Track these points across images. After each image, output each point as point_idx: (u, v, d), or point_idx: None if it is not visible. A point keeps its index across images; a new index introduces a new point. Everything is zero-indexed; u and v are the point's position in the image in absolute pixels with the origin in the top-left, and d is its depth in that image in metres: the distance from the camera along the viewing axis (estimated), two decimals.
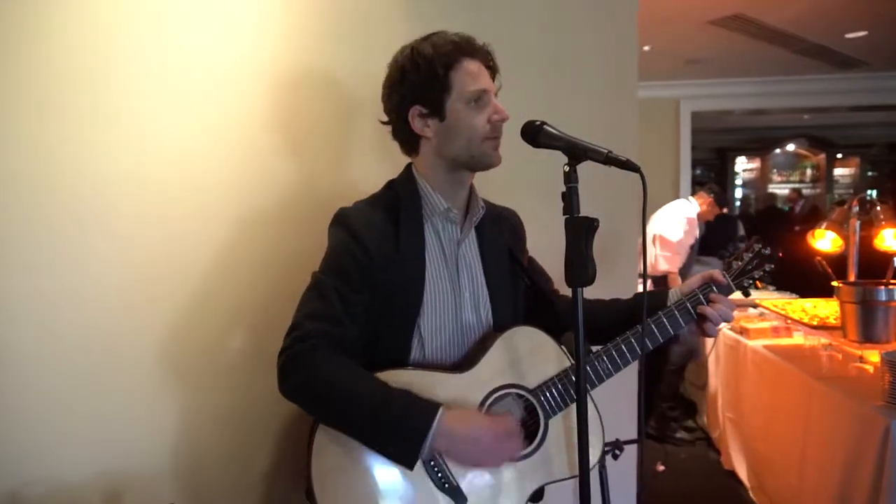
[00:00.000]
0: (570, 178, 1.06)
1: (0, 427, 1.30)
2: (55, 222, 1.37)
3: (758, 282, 1.35)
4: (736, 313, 3.49)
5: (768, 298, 3.65)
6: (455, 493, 1.16)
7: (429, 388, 1.15)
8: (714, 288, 1.33)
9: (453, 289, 1.26)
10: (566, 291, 1.30)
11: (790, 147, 10.29)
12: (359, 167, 1.64)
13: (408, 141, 1.27)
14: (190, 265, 1.49)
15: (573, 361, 1.25)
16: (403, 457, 1.11)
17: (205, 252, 1.50)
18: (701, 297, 1.32)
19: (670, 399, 3.96)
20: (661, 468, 3.44)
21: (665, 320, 1.30)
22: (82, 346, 1.38)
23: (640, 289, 1.37)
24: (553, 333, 1.30)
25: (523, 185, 1.64)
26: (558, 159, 1.08)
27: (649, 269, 3.72)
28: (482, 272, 1.30)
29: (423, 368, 1.21)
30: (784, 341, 2.95)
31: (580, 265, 1.04)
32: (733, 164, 10.57)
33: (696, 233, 4.10)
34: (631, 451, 2.11)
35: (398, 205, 1.24)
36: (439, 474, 1.15)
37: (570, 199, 1.06)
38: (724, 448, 3.38)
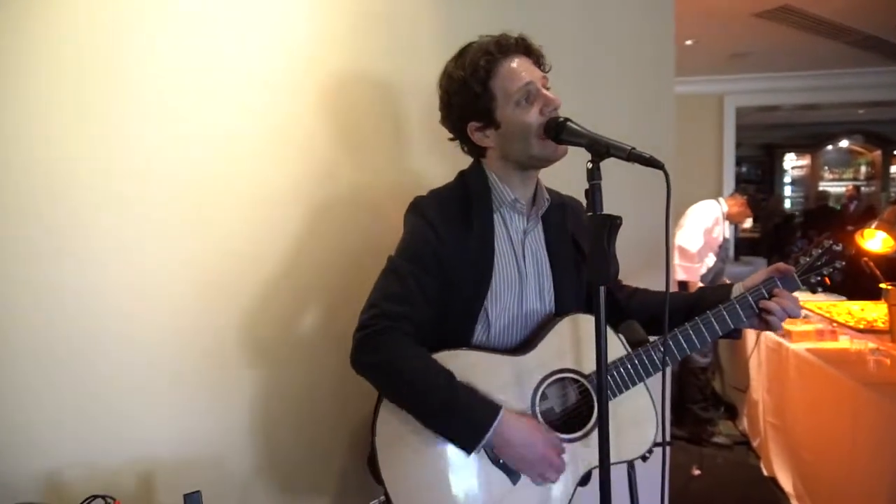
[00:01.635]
0: (594, 174, 1.05)
1: (41, 412, 1.36)
2: (139, 213, 1.45)
3: (826, 278, 1.31)
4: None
5: (813, 300, 3.52)
6: (509, 469, 1.22)
7: (492, 369, 1.23)
8: (778, 282, 1.30)
9: (520, 277, 1.30)
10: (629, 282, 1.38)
11: (843, 143, 9.88)
12: (419, 160, 1.70)
13: (474, 151, 1.34)
14: (259, 255, 1.57)
15: (629, 350, 1.29)
16: (464, 447, 1.18)
17: (275, 241, 1.58)
18: (764, 291, 1.30)
19: (701, 400, 3.87)
20: (697, 472, 3.36)
21: (725, 313, 1.29)
22: (126, 335, 1.45)
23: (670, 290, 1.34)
24: (610, 321, 1.28)
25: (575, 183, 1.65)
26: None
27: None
28: (547, 261, 1.34)
29: (486, 350, 1.27)
30: (829, 345, 2.85)
31: (602, 263, 1.03)
32: (782, 161, 10.22)
33: (725, 233, 4.07)
34: (661, 456, 2.08)
35: (469, 195, 1.29)
36: (494, 450, 1.21)
37: (592, 196, 1.05)
38: (765, 454, 3.28)
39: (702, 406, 3.85)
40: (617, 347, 1.29)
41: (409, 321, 1.21)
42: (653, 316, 1.37)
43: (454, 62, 1.26)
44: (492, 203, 1.29)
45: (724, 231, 4.06)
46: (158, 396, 1.47)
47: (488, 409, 1.17)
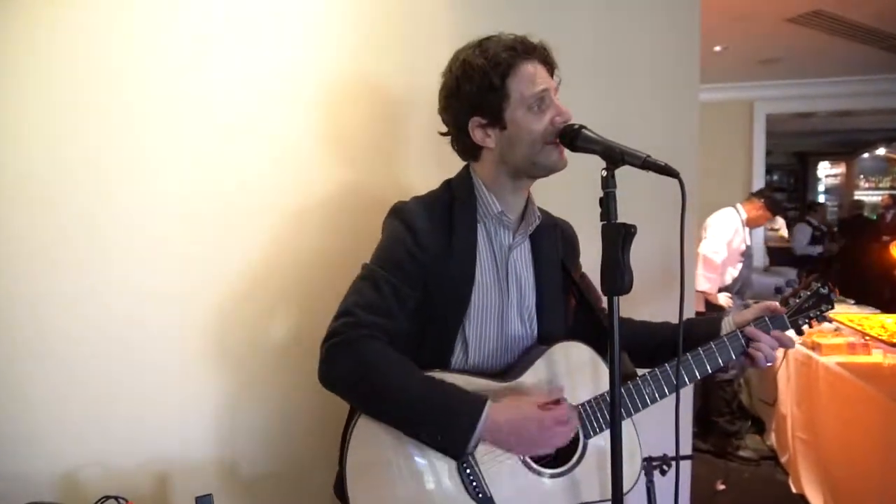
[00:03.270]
0: (608, 182, 1.03)
1: (58, 413, 1.39)
2: (113, 221, 1.46)
3: (813, 321, 1.32)
4: (806, 328, 3.34)
5: (845, 312, 3.41)
6: (487, 502, 1.14)
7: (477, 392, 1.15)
8: (769, 322, 1.29)
9: (500, 295, 1.24)
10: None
11: (880, 151, 9.61)
12: (406, 165, 1.67)
13: (468, 150, 1.25)
14: (236, 260, 1.56)
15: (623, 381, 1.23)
16: (453, 446, 1.10)
17: (250, 246, 1.57)
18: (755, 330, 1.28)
19: (727, 413, 3.77)
20: (722, 487, 3.28)
21: (716, 351, 1.27)
22: (133, 340, 1.47)
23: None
24: (600, 353, 1.26)
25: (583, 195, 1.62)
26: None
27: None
28: (532, 282, 1.28)
29: (467, 374, 1.20)
30: (861, 359, 2.76)
31: (616, 273, 1.01)
32: (815, 169, 9.99)
33: (747, 240, 3.95)
34: (685, 468, 2.04)
35: (453, 204, 1.23)
36: (474, 483, 1.14)
37: (607, 204, 1.03)
38: (793, 469, 3.19)
39: (728, 419, 3.76)
40: (606, 379, 1.21)
41: (384, 332, 1.13)
42: (642, 345, 1.32)
43: (473, 50, 1.18)
44: (476, 212, 1.22)
45: (746, 238, 3.94)
46: (174, 399, 1.48)
47: (474, 402, 1.10)
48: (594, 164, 1.08)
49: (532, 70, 1.17)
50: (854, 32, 4.30)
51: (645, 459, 1.52)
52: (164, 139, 1.48)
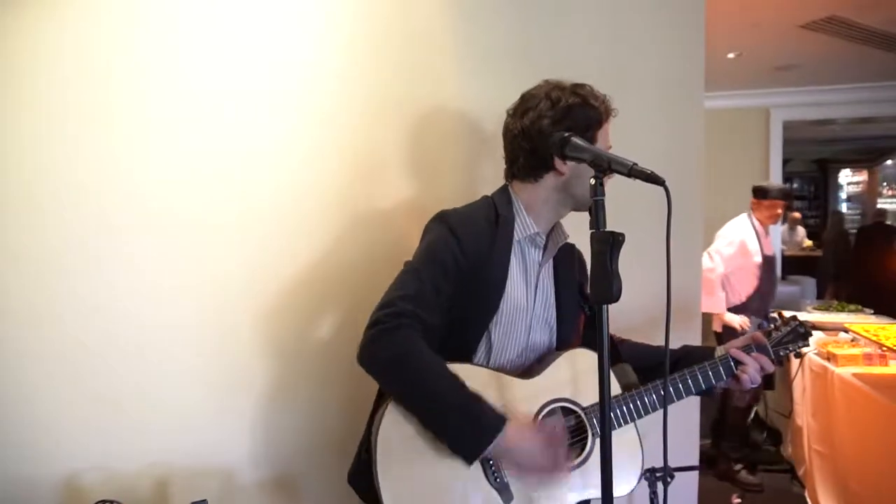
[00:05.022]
0: (597, 190, 1.04)
1: (61, 417, 1.41)
2: (121, 224, 1.49)
3: (791, 354, 1.46)
4: (824, 336, 3.27)
5: (862, 322, 3.34)
6: (504, 489, 1.23)
7: (500, 388, 1.26)
8: (753, 348, 1.40)
9: (528, 307, 1.34)
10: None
11: None
12: (440, 177, 1.71)
13: (536, 167, 1.33)
14: (243, 266, 1.58)
15: (625, 390, 1.35)
16: (465, 451, 1.19)
17: (259, 255, 1.60)
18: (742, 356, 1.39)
19: (736, 440, 3.62)
20: (738, 500, 3.22)
21: (709, 370, 1.38)
22: (137, 344, 1.49)
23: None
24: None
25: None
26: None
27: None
28: (554, 297, 1.39)
29: (491, 369, 1.30)
30: (877, 370, 2.70)
31: (605, 282, 1.01)
32: (837, 177, 9.82)
33: (766, 249, 3.61)
34: (691, 479, 2.01)
35: (495, 218, 1.32)
36: (493, 468, 1.23)
37: (596, 212, 1.04)
38: (810, 482, 3.12)
39: (732, 444, 3.60)
40: (614, 386, 1.32)
41: (422, 323, 1.22)
42: (641, 367, 1.40)
43: (581, 88, 1.31)
44: (513, 230, 1.32)
45: (765, 247, 3.61)
46: (176, 404, 1.50)
47: (494, 421, 1.17)
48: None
49: (609, 130, 1.34)
50: (870, 38, 4.24)
51: (647, 471, 1.54)
52: (184, 140, 1.52)
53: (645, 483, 1.56)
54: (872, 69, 5.09)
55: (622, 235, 1.01)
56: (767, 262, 3.64)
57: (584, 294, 1.44)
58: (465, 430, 1.17)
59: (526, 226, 1.34)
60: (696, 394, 1.38)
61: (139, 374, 1.47)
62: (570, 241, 1.42)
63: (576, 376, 1.32)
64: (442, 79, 1.63)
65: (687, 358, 1.40)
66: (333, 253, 1.63)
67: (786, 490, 3.38)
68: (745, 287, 3.60)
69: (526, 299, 1.34)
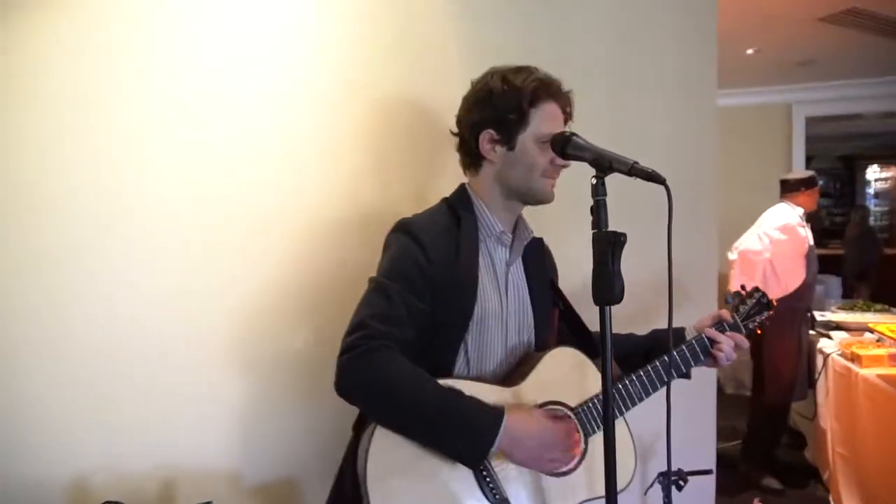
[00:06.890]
0: (598, 190, 1.03)
1: (67, 419, 1.42)
2: (124, 225, 1.49)
3: (759, 328, 1.48)
4: (848, 337, 3.19)
5: (887, 322, 3.26)
6: (503, 503, 1.19)
7: (485, 398, 1.19)
8: (726, 326, 1.41)
9: (501, 309, 1.30)
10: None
11: None
12: (439, 180, 1.65)
13: (471, 157, 1.32)
14: (250, 268, 1.58)
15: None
16: (471, 455, 1.14)
17: (264, 256, 1.59)
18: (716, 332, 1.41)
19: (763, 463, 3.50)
20: None
21: (686, 352, 1.38)
22: (143, 345, 1.49)
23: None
24: (583, 351, 1.35)
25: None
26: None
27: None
28: (528, 295, 1.35)
29: (472, 380, 1.25)
30: None
31: (607, 282, 1.01)
32: (864, 173, 9.60)
33: (809, 240, 3.45)
34: (708, 483, 1.97)
35: (458, 222, 1.28)
36: (491, 485, 1.18)
37: (597, 212, 1.03)
38: (834, 487, 3.05)
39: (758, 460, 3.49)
40: (596, 381, 1.29)
41: (398, 342, 1.17)
42: (616, 356, 1.38)
43: (513, 71, 1.27)
44: (478, 231, 1.29)
45: (809, 237, 3.44)
46: (183, 406, 1.51)
47: (492, 414, 1.14)
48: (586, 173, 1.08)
49: (554, 111, 1.27)
50: (892, 30, 4.14)
51: (661, 474, 1.52)
52: (184, 143, 1.52)
53: (658, 487, 1.54)
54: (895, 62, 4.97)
55: (624, 235, 1.00)
56: (811, 252, 3.47)
57: (556, 288, 1.41)
58: (465, 431, 1.13)
59: (490, 224, 1.29)
60: (678, 376, 1.35)
61: (146, 376, 1.47)
62: (536, 235, 1.38)
63: (560, 377, 1.29)
64: (447, 80, 1.62)
65: (658, 343, 1.40)
66: (350, 251, 1.62)
67: (809, 495, 3.31)
68: (792, 278, 3.36)
69: (500, 302, 1.29)
